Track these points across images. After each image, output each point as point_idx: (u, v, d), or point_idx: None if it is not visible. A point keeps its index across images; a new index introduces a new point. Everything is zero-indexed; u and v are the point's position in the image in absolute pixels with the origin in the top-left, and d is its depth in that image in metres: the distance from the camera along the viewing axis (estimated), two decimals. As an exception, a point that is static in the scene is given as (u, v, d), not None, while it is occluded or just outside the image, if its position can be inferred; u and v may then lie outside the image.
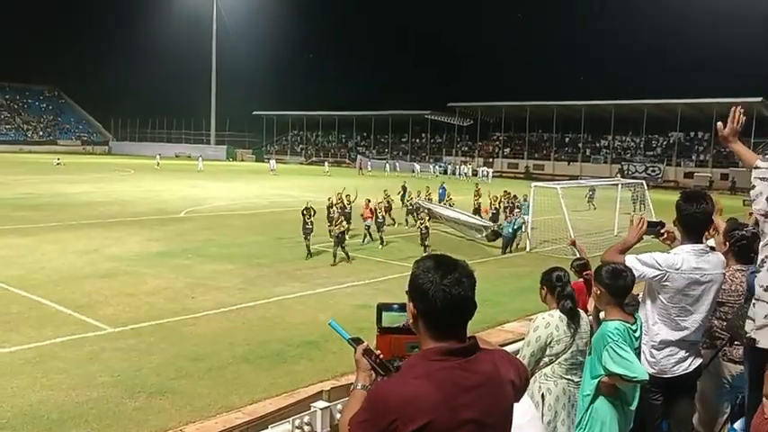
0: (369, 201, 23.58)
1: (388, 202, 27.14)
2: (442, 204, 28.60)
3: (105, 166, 64.21)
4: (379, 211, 23.27)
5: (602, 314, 4.56)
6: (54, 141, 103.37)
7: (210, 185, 45.55)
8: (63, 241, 21.29)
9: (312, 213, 20.62)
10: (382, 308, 2.63)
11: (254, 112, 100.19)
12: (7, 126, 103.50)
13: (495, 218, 26.18)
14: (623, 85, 73.00)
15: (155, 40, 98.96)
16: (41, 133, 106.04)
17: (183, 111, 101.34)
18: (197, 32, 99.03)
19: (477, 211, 28.99)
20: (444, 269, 2.20)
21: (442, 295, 2.16)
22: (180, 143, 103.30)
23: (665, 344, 4.46)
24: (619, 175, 54.80)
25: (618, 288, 4.18)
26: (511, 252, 22.65)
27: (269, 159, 74.63)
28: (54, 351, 10.85)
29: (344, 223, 20.62)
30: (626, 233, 4.84)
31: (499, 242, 23.13)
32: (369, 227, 23.17)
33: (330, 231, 20.39)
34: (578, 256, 6.88)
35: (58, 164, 61.83)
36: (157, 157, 69.47)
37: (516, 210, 24.32)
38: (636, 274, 4.25)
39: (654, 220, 4.85)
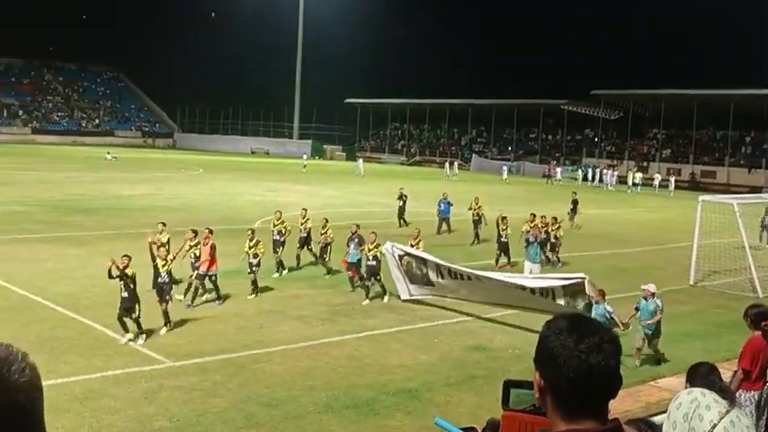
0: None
1: (308, 235, 22.61)
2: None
3: (169, 163, 67.23)
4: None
5: None
6: (111, 132, 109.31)
7: (291, 189, 46.78)
8: (118, 253, 22.12)
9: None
10: (510, 385, 2.66)
11: (347, 100, 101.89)
12: (60, 114, 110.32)
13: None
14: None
15: (230, 15, 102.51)
16: (97, 122, 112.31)
17: (261, 99, 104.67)
18: (280, 5, 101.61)
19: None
20: (580, 331, 2.17)
21: (577, 364, 2.12)
22: (257, 136, 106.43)
23: None
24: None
25: None
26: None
27: (450, 162, 71.47)
28: (105, 386, 11.43)
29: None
30: None
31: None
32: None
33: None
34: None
35: (112, 159, 65.29)
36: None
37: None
38: None
39: None
